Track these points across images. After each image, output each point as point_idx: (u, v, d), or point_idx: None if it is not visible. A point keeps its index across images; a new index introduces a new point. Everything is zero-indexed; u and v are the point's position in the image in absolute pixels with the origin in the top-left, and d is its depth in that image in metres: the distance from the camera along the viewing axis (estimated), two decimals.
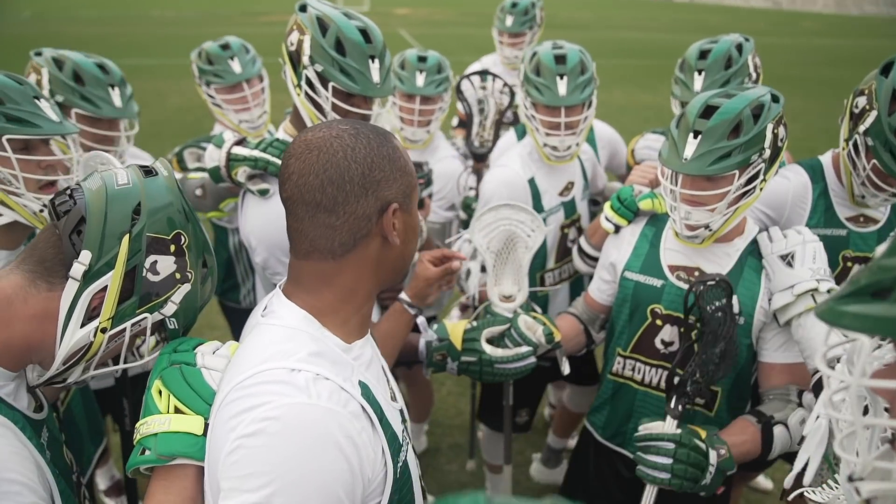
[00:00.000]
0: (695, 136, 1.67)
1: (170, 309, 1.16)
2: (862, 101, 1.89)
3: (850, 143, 1.92)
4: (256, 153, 1.84)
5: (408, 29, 24.01)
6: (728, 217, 1.72)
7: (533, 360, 1.82)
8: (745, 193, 1.70)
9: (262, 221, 1.82)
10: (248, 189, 1.86)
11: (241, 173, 1.85)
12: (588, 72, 2.30)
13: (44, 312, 1.08)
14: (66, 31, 21.04)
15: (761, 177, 1.68)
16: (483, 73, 2.76)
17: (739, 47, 2.32)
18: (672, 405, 1.69)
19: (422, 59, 2.76)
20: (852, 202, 2.06)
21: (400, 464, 1.10)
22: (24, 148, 1.52)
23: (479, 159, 2.72)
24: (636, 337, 1.93)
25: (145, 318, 1.14)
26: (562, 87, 2.24)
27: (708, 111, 1.68)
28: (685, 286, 1.83)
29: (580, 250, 2.33)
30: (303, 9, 1.81)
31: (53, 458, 1.14)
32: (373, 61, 1.78)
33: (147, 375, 1.17)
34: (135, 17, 26.52)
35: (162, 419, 1.07)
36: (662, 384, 1.90)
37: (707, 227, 1.74)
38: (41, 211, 1.53)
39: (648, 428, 1.70)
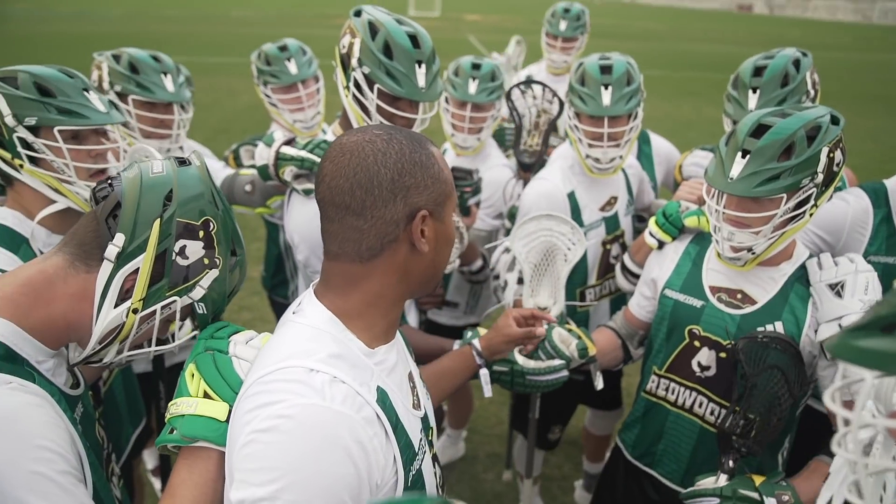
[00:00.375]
0: (743, 156, 1.62)
1: (198, 293, 1.21)
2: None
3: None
4: (303, 153, 1.89)
5: (477, 35, 24.10)
6: (773, 241, 1.66)
7: (565, 373, 1.80)
8: (793, 218, 1.63)
9: (305, 220, 1.86)
10: (294, 188, 1.91)
11: (288, 172, 1.90)
12: (634, 83, 2.26)
13: (82, 292, 1.14)
14: (151, 30, 22.09)
15: (812, 202, 1.61)
16: (532, 83, 2.75)
17: (797, 63, 2.21)
18: (723, 460, 1.64)
19: (476, 67, 2.77)
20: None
21: (413, 472, 1.10)
22: (74, 138, 1.59)
23: (526, 169, 2.71)
24: (672, 357, 1.88)
25: (174, 301, 1.19)
26: (606, 97, 2.21)
27: (760, 130, 1.62)
28: (726, 308, 1.78)
29: (623, 267, 2.29)
30: (357, 14, 1.85)
31: (85, 432, 1.20)
32: (419, 66, 1.80)
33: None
34: (217, 17, 27.59)
35: (190, 402, 1.12)
36: (696, 408, 1.85)
37: (750, 249, 1.68)
38: None
39: (701, 485, 1.65)
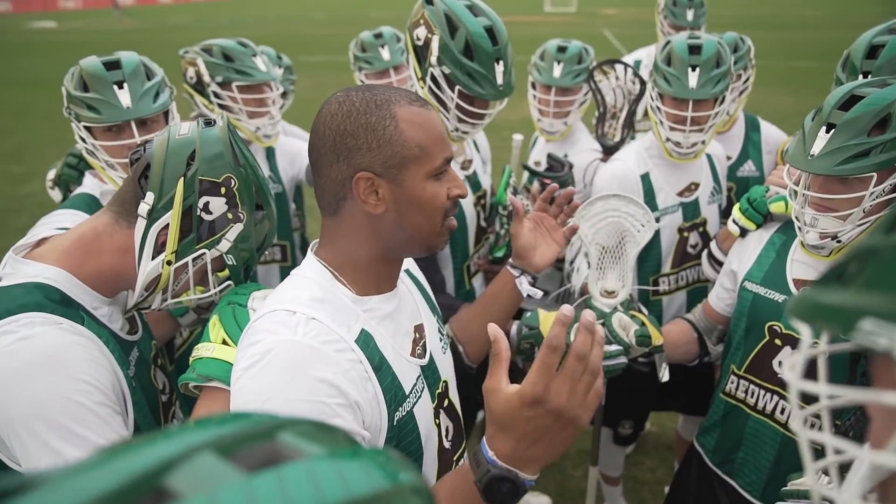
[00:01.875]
0: (827, 130, 1.44)
1: (224, 246, 1.29)
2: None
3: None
4: None
5: (612, 30, 23.37)
6: (864, 228, 1.46)
7: (623, 360, 1.70)
8: (889, 202, 1.43)
9: None
10: None
11: None
12: (724, 65, 2.08)
13: (125, 246, 1.26)
14: (297, 32, 23.50)
15: None
16: (616, 62, 2.61)
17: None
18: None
19: (561, 50, 2.69)
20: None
21: (402, 414, 1.13)
22: (108, 130, 1.78)
23: (608, 152, 2.58)
24: (751, 356, 1.72)
25: (204, 253, 1.28)
26: (692, 78, 2.05)
27: (850, 102, 1.43)
28: None
29: (710, 255, 2.12)
30: (429, 0, 1.84)
31: (138, 375, 1.32)
32: (498, 63, 1.80)
33: None
34: (357, 18, 28.85)
35: (210, 346, 1.24)
36: (778, 413, 1.68)
37: (836, 237, 1.49)
38: None
39: (796, 484, 1.49)
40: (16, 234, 1.78)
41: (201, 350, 1.24)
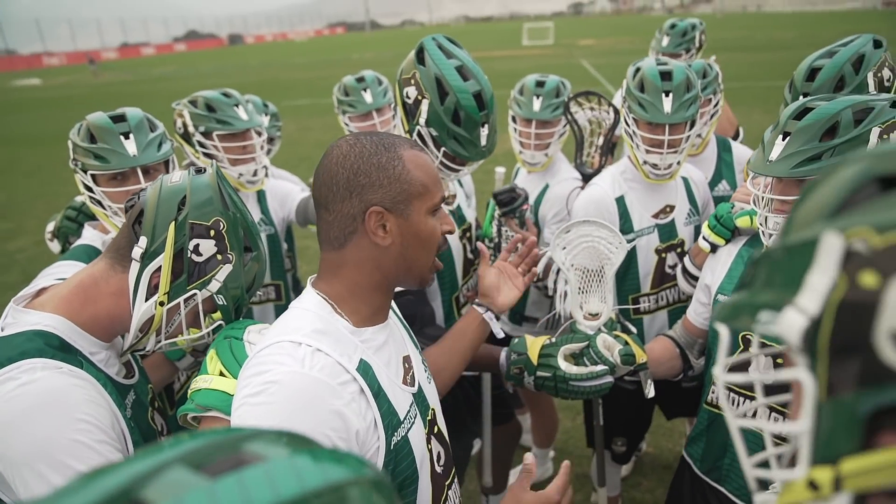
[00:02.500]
0: (783, 138, 1.55)
1: (214, 286, 1.36)
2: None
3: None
4: None
5: (590, 59, 23.90)
6: None
7: (609, 379, 1.76)
8: None
9: None
10: None
11: None
12: (693, 89, 2.20)
13: (120, 290, 1.33)
14: (280, 77, 23.84)
15: None
16: (590, 93, 2.74)
17: (859, 61, 1.98)
18: None
19: (539, 84, 2.81)
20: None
21: (398, 439, 1.20)
22: (113, 179, 1.88)
23: (587, 179, 2.69)
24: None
25: (195, 293, 1.35)
26: (667, 104, 2.16)
27: (803, 112, 1.56)
28: None
29: (684, 269, 2.21)
30: (420, 58, 1.92)
31: (135, 417, 1.36)
32: (483, 127, 1.91)
33: None
34: (339, 61, 29.33)
35: (207, 378, 1.30)
36: (759, 418, 1.74)
37: None
38: None
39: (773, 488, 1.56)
40: (6, 289, 1.86)
41: (199, 382, 1.30)
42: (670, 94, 2.17)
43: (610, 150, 2.72)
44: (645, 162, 2.25)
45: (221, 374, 1.29)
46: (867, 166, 0.50)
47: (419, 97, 1.91)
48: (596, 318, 1.95)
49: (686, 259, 2.19)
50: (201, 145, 2.50)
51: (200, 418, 1.29)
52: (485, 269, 1.78)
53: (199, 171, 1.41)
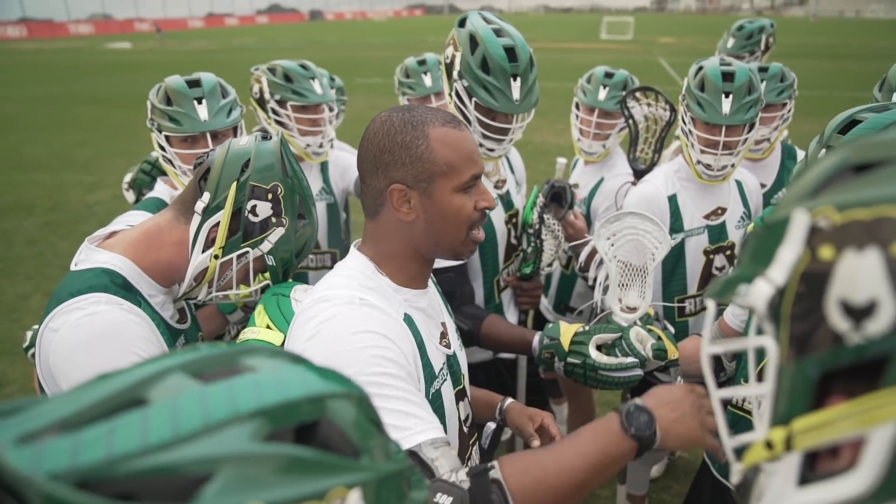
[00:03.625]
0: (828, 153, 1.53)
1: (266, 246, 1.45)
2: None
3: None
4: None
5: (668, 58, 23.27)
6: None
7: (639, 372, 1.79)
8: None
9: None
10: None
11: None
12: (755, 92, 2.17)
13: (181, 240, 1.44)
14: (356, 55, 24.17)
15: None
16: (647, 89, 2.73)
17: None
18: None
19: (608, 76, 2.83)
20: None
21: (433, 390, 1.29)
22: (184, 141, 1.99)
23: (638, 175, 2.69)
24: (758, 370, 1.79)
25: (247, 251, 1.45)
26: (726, 105, 2.15)
27: (849, 126, 1.51)
28: None
29: None
30: (461, 24, 2.03)
31: None
32: (514, 80, 1.93)
33: None
34: (413, 43, 29.49)
35: (255, 330, 1.41)
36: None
37: None
38: None
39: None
40: (84, 238, 2.02)
41: (247, 333, 1.41)
42: (730, 96, 2.15)
43: (660, 148, 2.72)
44: (699, 162, 2.24)
45: (268, 327, 1.39)
46: (846, 154, 0.55)
47: (454, 53, 1.98)
48: (633, 312, 1.98)
49: (737, 262, 2.18)
50: (274, 112, 2.62)
51: None
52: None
53: (266, 137, 1.51)
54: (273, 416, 0.42)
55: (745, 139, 2.19)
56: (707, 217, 2.36)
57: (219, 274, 1.46)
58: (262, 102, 2.66)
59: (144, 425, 0.40)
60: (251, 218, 1.43)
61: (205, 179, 1.44)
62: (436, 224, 1.29)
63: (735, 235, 2.39)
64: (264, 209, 1.44)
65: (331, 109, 2.66)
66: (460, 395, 1.42)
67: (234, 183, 1.42)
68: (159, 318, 1.42)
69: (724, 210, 2.37)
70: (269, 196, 1.44)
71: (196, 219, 1.42)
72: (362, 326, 1.15)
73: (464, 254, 1.37)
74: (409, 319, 1.26)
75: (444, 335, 1.40)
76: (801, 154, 2.90)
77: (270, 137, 1.52)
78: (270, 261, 1.48)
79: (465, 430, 1.44)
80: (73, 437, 0.39)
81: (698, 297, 2.40)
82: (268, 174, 1.44)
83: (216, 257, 1.43)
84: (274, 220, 1.45)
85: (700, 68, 2.26)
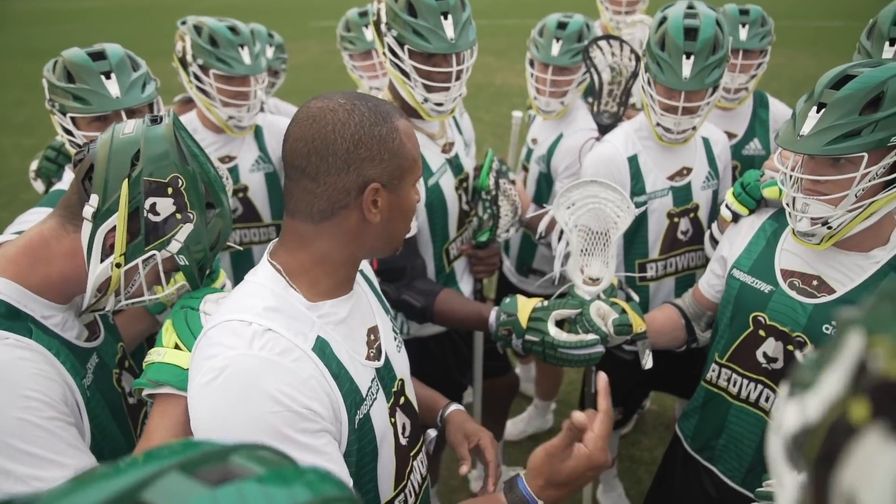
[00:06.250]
0: (818, 110, 1.37)
1: (174, 247, 1.26)
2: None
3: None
4: None
5: None
6: (857, 214, 1.39)
7: (600, 349, 1.66)
8: (884, 186, 1.36)
9: None
10: None
11: None
12: (721, 50, 1.98)
13: (73, 250, 1.23)
14: None
15: None
16: (612, 38, 2.51)
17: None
18: None
19: (561, 26, 2.58)
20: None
21: (360, 416, 1.15)
22: (93, 122, 1.78)
23: (604, 131, 2.50)
24: (735, 345, 1.67)
25: (154, 254, 1.25)
26: (686, 68, 1.95)
27: (843, 81, 1.36)
28: (797, 296, 1.53)
29: (711, 237, 2.05)
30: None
31: (97, 381, 1.29)
32: (445, 18, 1.82)
33: None
34: None
35: (161, 351, 1.23)
36: (762, 402, 1.63)
37: (826, 223, 1.42)
38: None
39: (770, 484, 1.46)
40: (27, 207, 1.79)
41: (153, 355, 1.23)
42: (692, 57, 1.96)
43: (626, 101, 2.52)
44: (658, 124, 2.07)
45: (177, 346, 1.23)
46: None
47: (378, 5, 1.89)
48: (596, 284, 1.83)
49: (714, 226, 2.03)
50: (196, 78, 2.34)
51: (155, 395, 1.22)
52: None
53: (155, 120, 1.29)
54: None
55: (709, 102, 2.02)
56: (671, 178, 2.20)
57: (125, 281, 1.27)
58: (184, 64, 2.38)
59: None
60: (152, 217, 1.23)
61: (89, 179, 1.22)
62: (395, 223, 1.18)
63: (700, 197, 2.24)
64: (165, 206, 1.23)
65: (254, 83, 2.38)
66: (394, 408, 1.29)
67: (126, 180, 1.20)
68: (59, 342, 1.22)
69: (689, 170, 2.21)
70: (169, 190, 1.23)
71: (87, 226, 1.21)
72: (253, 384, 1.02)
73: (399, 248, 1.25)
74: (321, 345, 1.11)
75: (372, 343, 1.25)
76: (773, 102, 2.73)
77: (160, 120, 1.29)
78: (182, 261, 1.28)
79: (404, 441, 1.31)
80: None
81: (660, 262, 2.26)
82: (164, 165, 1.23)
83: (118, 266, 1.24)
84: (179, 216, 1.25)
85: (663, 20, 2.05)
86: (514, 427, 3.42)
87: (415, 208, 1.23)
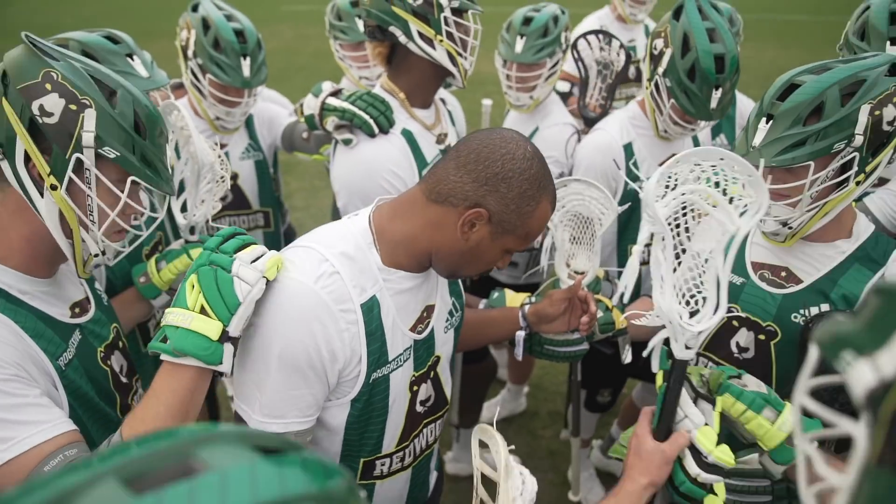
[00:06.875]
0: (767, 121, 1.47)
1: (89, 139, 1.17)
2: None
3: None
4: (345, 105, 1.91)
5: None
6: (814, 214, 1.50)
7: (584, 346, 1.76)
8: (838, 186, 1.47)
9: (345, 169, 1.93)
10: (335, 137, 1.96)
11: (330, 122, 1.94)
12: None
13: (16, 204, 1.19)
14: None
15: (855, 167, 1.43)
16: (599, 33, 2.59)
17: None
18: None
19: (527, 22, 2.58)
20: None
21: (378, 376, 1.29)
22: None
23: (591, 124, 2.58)
24: (709, 336, 1.77)
25: (78, 157, 1.17)
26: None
27: (788, 91, 1.46)
28: (767, 287, 1.64)
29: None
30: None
31: (80, 357, 1.28)
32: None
33: None
34: None
35: (186, 315, 1.14)
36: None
37: (786, 224, 1.53)
38: None
39: (743, 462, 1.53)
40: None
41: (177, 317, 1.14)
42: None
43: (612, 94, 2.61)
44: (665, 131, 2.22)
45: (203, 309, 1.14)
46: None
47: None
48: (582, 277, 1.92)
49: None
50: (193, 74, 2.33)
51: (172, 362, 1.15)
52: (560, 300, 1.70)
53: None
54: None
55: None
56: (662, 165, 2.29)
57: (80, 208, 1.21)
58: (185, 54, 2.36)
59: None
60: (47, 120, 1.14)
61: None
62: (467, 257, 1.30)
63: None
64: (52, 102, 1.15)
65: (249, 95, 2.36)
66: (423, 377, 1.42)
67: (2, 99, 1.15)
68: (35, 314, 1.20)
69: None
70: (48, 86, 1.15)
71: (6, 168, 1.16)
72: (307, 314, 1.19)
73: (453, 278, 1.44)
74: (371, 303, 1.25)
75: (423, 319, 1.38)
76: (739, 96, 2.83)
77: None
78: (110, 153, 1.19)
79: (420, 409, 1.44)
80: None
81: (650, 247, 2.35)
82: (28, 68, 1.16)
83: (54, 188, 1.17)
84: (73, 106, 1.16)
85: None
86: (489, 410, 3.52)
87: (490, 265, 1.33)
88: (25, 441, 1.09)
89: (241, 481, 0.40)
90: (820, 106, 1.41)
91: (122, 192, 1.23)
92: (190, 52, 2.30)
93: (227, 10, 2.35)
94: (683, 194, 1.21)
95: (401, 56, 1.94)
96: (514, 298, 1.83)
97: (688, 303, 1.25)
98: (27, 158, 1.16)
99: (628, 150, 2.26)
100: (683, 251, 1.27)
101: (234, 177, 2.53)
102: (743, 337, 1.70)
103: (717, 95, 2.00)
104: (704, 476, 1.19)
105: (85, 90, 1.18)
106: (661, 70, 2.00)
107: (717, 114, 2.01)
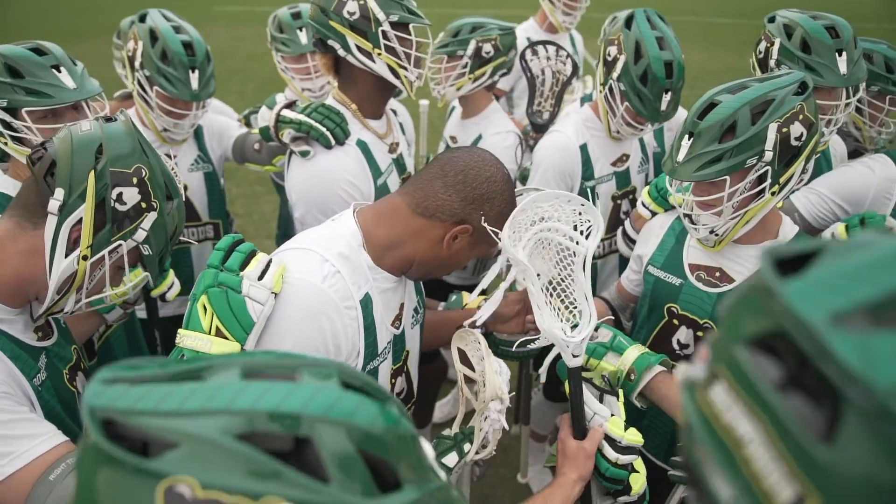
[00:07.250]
0: (689, 138, 1.61)
1: (140, 235, 1.31)
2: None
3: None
4: (301, 117, 1.93)
5: None
6: (737, 222, 1.65)
7: (535, 346, 1.84)
8: (757, 195, 1.61)
9: (302, 180, 1.96)
10: (292, 150, 1.99)
11: (287, 134, 1.96)
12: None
13: (32, 249, 1.25)
14: None
15: (769, 180, 1.57)
16: (546, 44, 2.73)
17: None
18: None
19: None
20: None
21: (370, 368, 1.41)
22: (44, 117, 1.72)
23: (539, 130, 2.69)
24: (653, 334, 1.90)
25: (120, 245, 1.29)
26: (664, 103, 2.15)
27: (707, 110, 1.60)
28: (703, 287, 1.77)
29: (623, 233, 2.29)
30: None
31: (51, 378, 1.33)
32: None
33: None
34: None
35: (204, 340, 1.21)
36: None
37: (713, 231, 1.68)
38: None
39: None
40: None
41: (195, 342, 1.21)
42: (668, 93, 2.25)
43: (560, 102, 2.74)
44: (618, 131, 2.34)
45: (218, 331, 1.21)
46: None
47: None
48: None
49: (627, 223, 2.27)
50: (140, 86, 2.28)
51: None
52: (514, 296, 1.79)
53: (109, 119, 1.34)
54: (250, 420, 0.49)
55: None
56: (614, 164, 2.43)
57: (88, 276, 1.29)
58: (132, 64, 2.30)
59: (170, 394, 0.49)
60: (118, 207, 1.27)
61: (51, 175, 1.25)
62: (448, 264, 1.46)
63: (637, 180, 2.50)
64: (131, 195, 1.28)
65: (197, 108, 2.33)
66: (399, 371, 1.54)
67: (91, 172, 1.24)
68: (7, 338, 1.25)
69: (627, 157, 2.45)
70: (134, 180, 1.29)
71: (52, 220, 1.23)
72: (316, 310, 1.28)
73: (422, 279, 1.59)
74: (366, 300, 1.36)
75: (398, 316, 1.50)
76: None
77: (115, 119, 1.34)
78: (147, 250, 1.33)
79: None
80: (136, 389, 0.50)
81: (606, 241, 2.48)
82: (127, 156, 1.29)
83: (85, 258, 1.26)
84: (144, 204, 1.30)
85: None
86: (441, 410, 3.58)
87: (458, 268, 1.52)
88: (25, 454, 1.13)
89: (327, 396, 0.52)
90: (733, 125, 1.54)
91: (128, 283, 1.37)
92: (137, 64, 2.26)
93: (175, 21, 2.32)
94: (536, 234, 1.37)
95: (346, 67, 1.99)
96: (471, 303, 1.90)
97: (568, 320, 1.41)
98: (76, 222, 1.25)
99: (584, 150, 2.37)
100: (550, 282, 1.42)
101: (183, 188, 2.50)
102: (683, 334, 1.83)
103: (666, 98, 2.14)
104: (623, 458, 1.38)
105: (158, 193, 1.33)
106: (615, 75, 2.13)
107: (665, 116, 2.16)
